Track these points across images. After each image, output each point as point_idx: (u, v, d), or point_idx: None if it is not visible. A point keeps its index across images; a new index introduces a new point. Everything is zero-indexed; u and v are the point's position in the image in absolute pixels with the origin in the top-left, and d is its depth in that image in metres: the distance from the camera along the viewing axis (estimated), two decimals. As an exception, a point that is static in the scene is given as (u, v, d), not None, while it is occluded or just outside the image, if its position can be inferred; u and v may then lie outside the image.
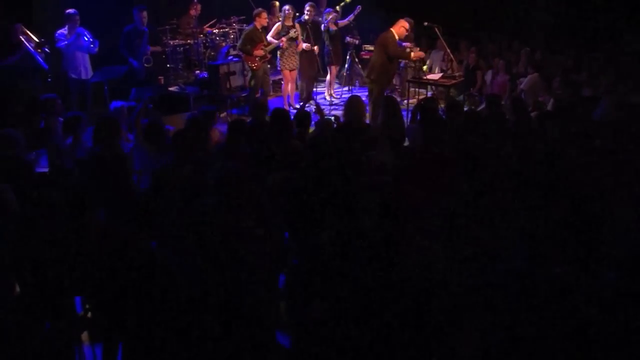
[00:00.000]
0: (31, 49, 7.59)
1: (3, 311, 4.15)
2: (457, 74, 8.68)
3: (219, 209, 3.84)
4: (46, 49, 7.77)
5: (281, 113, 5.97)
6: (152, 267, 3.48)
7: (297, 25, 9.30)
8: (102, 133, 5.27)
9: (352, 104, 6.38)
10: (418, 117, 6.36)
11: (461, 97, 9.62)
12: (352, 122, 6.17)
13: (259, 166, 5.02)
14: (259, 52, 8.94)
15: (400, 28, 8.28)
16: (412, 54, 8.53)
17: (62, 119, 6.10)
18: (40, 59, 7.67)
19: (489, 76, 9.90)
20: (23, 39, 7.58)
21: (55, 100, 6.22)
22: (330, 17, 9.92)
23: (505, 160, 5.20)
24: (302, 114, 6.31)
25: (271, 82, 10.07)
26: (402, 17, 8.41)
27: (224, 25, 10.77)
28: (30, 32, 7.69)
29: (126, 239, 3.70)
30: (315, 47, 9.57)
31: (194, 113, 6.60)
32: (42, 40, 7.74)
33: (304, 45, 9.37)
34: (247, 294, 3.58)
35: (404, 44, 8.71)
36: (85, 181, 4.95)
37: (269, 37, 9.12)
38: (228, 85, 9.34)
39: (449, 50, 8.84)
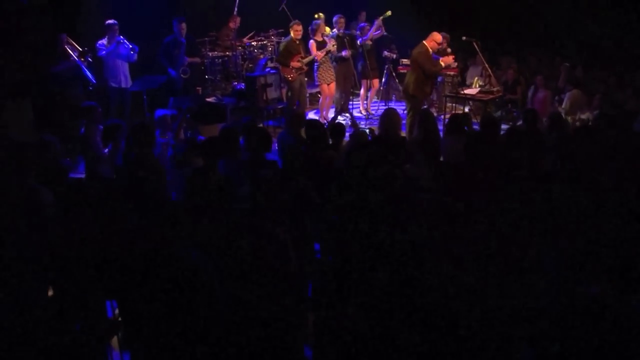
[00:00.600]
0: (76, 58, 7.81)
1: (36, 311, 4.24)
2: (495, 89, 8.56)
3: (250, 215, 3.87)
4: (89, 58, 7.99)
5: (316, 124, 6.03)
6: (182, 272, 3.50)
7: (331, 40, 9.33)
8: (135, 139, 5.37)
9: (387, 117, 6.36)
10: (452, 131, 6.34)
11: (499, 113, 9.49)
12: (387, 134, 6.15)
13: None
14: (296, 64, 9.01)
15: (432, 42, 8.23)
16: (441, 62, 8.40)
17: (101, 127, 6.23)
18: (84, 67, 7.89)
19: (529, 92, 9.77)
20: (68, 49, 7.81)
21: (95, 108, 6.34)
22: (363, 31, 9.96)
23: (543, 175, 5.11)
24: (337, 125, 6.32)
25: (308, 94, 10.10)
26: (435, 30, 8.37)
27: (262, 38, 10.87)
28: (75, 41, 7.92)
29: (158, 243, 3.72)
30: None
31: (230, 124, 6.68)
32: (85, 49, 7.97)
33: (344, 53, 9.38)
34: (275, 303, 3.59)
35: (440, 58, 8.59)
36: (121, 187, 5.03)
37: (314, 52, 9.20)
38: (265, 97, 9.41)
39: (487, 65, 8.73)
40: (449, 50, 9.28)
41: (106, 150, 5.93)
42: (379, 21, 10.03)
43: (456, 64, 10.15)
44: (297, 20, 9.17)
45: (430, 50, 8.19)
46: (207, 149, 5.16)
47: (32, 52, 7.69)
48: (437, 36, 8.19)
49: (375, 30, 10.06)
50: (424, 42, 8.20)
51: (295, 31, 9.06)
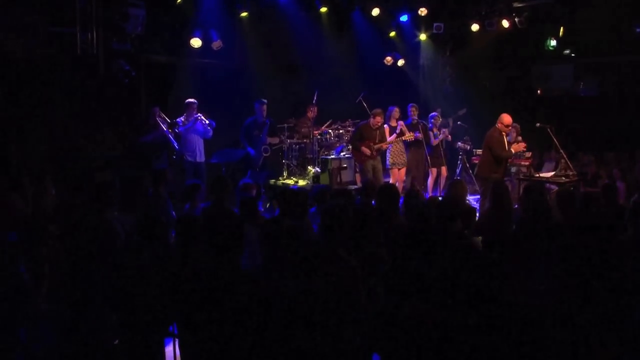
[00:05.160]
0: (165, 129, 8.46)
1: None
2: (571, 174, 8.44)
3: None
4: (176, 130, 8.61)
5: (389, 189, 6.02)
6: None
7: (402, 124, 9.68)
8: (214, 190, 5.67)
9: (454, 185, 6.44)
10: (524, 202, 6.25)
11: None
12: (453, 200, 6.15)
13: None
14: (366, 151, 9.29)
15: (501, 124, 8.39)
16: (512, 148, 8.54)
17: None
18: (171, 137, 8.51)
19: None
20: (159, 121, 8.47)
21: (166, 172, 6.73)
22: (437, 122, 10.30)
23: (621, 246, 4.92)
24: (412, 191, 6.42)
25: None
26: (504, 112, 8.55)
27: (339, 127, 11.28)
28: (165, 113, 8.62)
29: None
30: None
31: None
32: (174, 121, 8.62)
33: (417, 134, 9.67)
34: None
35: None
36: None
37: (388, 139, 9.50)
38: (339, 179, 9.65)
39: (562, 151, 8.64)
40: (519, 138, 9.36)
41: (186, 207, 6.22)
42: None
43: (530, 154, 10.14)
44: (380, 110, 9.51)
45: (503, 131, 8.31)
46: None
47: (128, 125, 8.41)
48: (505, 118, 8.33)
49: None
50: (496, 125, 8.36)
51: (376, 120, 9.41)
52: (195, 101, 8.95)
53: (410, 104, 10.06)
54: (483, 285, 3.42)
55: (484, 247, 5.50)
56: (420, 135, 9.61)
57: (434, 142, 10.14)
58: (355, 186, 9.78)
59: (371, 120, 9.43)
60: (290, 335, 3.65)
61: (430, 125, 10.25)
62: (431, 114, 10.58)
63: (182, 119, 8.98)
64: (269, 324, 3.60)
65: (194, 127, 8.91)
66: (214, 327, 3.58)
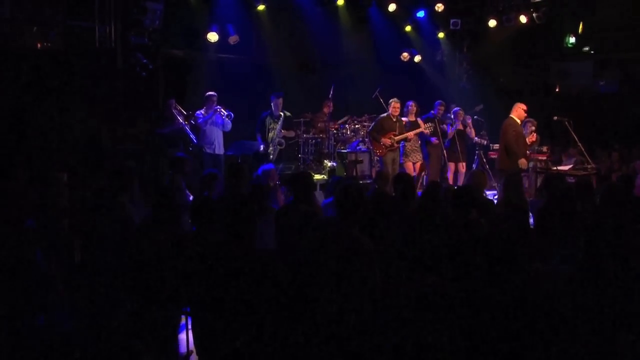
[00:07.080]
0: (181, 120, 8.52)
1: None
2: (589, 167, 8.34)
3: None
4: (192, 121, 8.68)
5: (406, 177, 6.01)
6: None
7: (420, 121, 9.66)
8: (229, 175, 5.70)
9: (475, 175, 6.40)
10: (544, 192, 6.19)
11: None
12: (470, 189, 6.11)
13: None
14: (387, 141, 9.26)
15: (518, 111, 8.32)
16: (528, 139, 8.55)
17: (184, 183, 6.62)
18: (187, 129, 8.57)
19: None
20: (175, 113, 8.53)
21: (185, 160, 6.77)
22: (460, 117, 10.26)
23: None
24: (434, 183, 6.39)
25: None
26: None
27: (356, 122, 11.26)
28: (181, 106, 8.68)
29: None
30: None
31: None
32: (190, 113, 8.69)
33: (433, 140, 9.62)
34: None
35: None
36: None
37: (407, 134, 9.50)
38: (355, 173, 9.63)
39: (580, 144, 8.55)
40: (534, 132, 9.29)
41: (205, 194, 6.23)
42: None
43: (547, 148, 10.04)
44: (395, 98, 9.50)
45: (518, 120, 8.23)
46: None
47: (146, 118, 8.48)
48: (523, 105, 8.29)
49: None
50: (511, 115, 8.28)
51: (394, 108, 9.40)
52: (215, 94, 8.99)
53: (439, 102, 10.21)
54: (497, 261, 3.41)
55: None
56: (436, 141, 9.64)
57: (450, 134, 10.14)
58: (371, 179, 9.77)
59: (390, 109, 9.42)
60: (303, 315, 3.65)
61: (454, 120, 10.23)
62: (454, 109, 10.54)
63: (202, 112, 9.02)
64: (282, 305, 3.59)
65: (213, 119, 8.95)
66: (227, 309, 3.59)
